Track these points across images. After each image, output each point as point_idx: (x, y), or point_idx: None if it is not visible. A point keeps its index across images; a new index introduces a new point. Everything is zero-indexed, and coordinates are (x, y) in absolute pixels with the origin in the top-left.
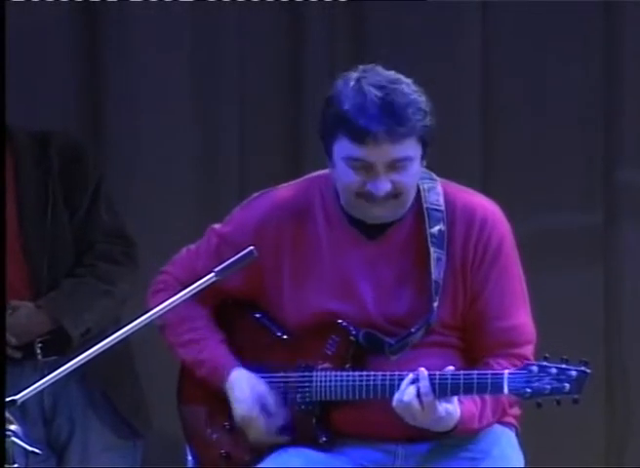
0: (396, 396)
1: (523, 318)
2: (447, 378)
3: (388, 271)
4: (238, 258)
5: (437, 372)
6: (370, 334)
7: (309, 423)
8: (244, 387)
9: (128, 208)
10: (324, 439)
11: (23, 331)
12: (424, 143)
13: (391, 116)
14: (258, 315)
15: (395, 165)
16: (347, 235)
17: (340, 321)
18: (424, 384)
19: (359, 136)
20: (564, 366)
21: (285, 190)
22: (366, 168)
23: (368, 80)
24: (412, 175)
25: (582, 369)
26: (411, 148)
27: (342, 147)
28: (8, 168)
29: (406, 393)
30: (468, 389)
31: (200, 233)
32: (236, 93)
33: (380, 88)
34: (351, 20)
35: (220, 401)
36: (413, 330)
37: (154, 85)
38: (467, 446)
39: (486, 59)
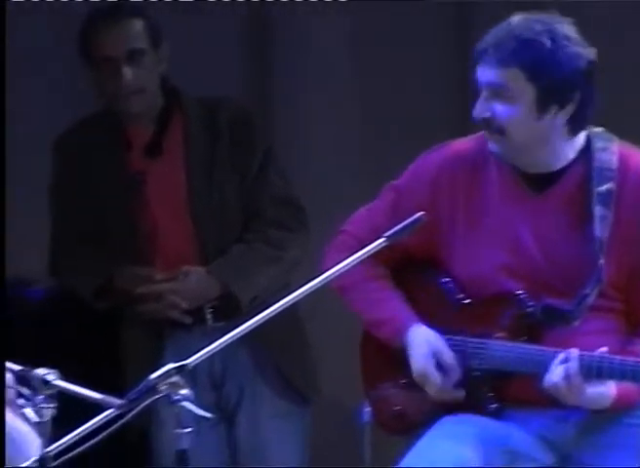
0: (546, 375)
1: None
2: (600, 361)
3: (553, 226)
4: (408, 224)
5: (589, 354)
6: (548, 307)
7: (481, 390)
8: (422, 342)
9: (296, 172)
10: (494, 406)
11: (194, 297)
12: (541, 89)
13: (502, 41)
14: (442, 279)
15: (496, 91)
16: (515, 188)
17: (518, 292)
18: (573, 366)
19: (476, 55)
20: None
21: (460, 144)
22: (479, 91)
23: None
24: (514, 112)
25: None
26: (513, 80)
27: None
28: (177, 134)
29: (554, 373)
30: (621, 376)
31: (370, 195)
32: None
33: (512, 20)
34: None
35: (398, 358)
36: (587, 290)
37: (321, 55)
38: (637, 412)
39: None
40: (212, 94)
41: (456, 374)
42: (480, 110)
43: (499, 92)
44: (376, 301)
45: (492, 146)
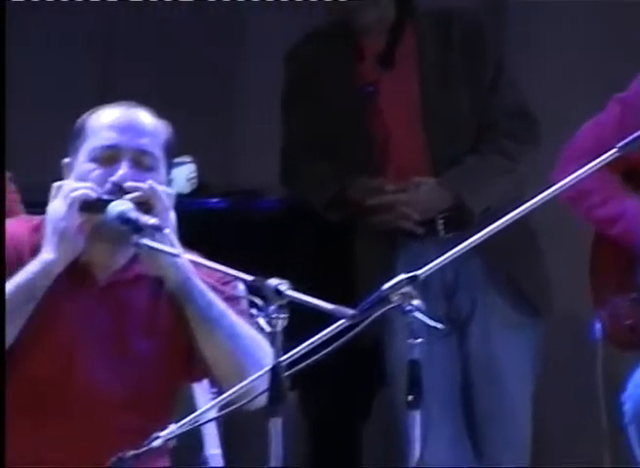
0: None
1: None
2: None
3: None
4: None
5: None
6: None
7: None
8: None
9: (530, 84)
10: None
11: (425, 208)
12: None
13: None
14: None
15: None
16: None
17: None
18: None
19: None
20: None
21: None
22: None
23: None
24: None
25: None
26: None
27: None
28: (409, 45)
29: None
30: None
31: (599, 107)
32: None
33: None
34: None
35: (630, 272)
36: None
37: None
38: None
39: None
40: (444, 5)
41: None
42: None
43: None
44: (609, 200)
45: None
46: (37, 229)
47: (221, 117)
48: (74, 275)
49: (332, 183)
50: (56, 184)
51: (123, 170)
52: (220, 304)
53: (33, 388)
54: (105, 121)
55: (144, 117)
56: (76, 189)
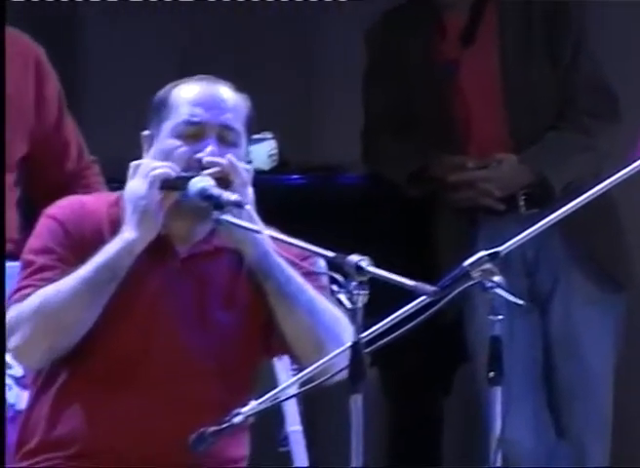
0: None
1: None
2: None
3: None
4: None
5: None
6: None
7: None
8: None
9: (610, 60)
10: None
11: (506, 184)
12: None
13: None
14: None
15: None
16: None
17: None
18: None
19: None
20: None
21: None
22: None
23: None
24: None
25: None
26: None
27: None
28: (491, 22)
29: None
30: None
31: None
32: None
33: None
34: None
35: None
36: None
37: None
38: None
39: None
40: None
41: None
42: None
43: None
44: None
45: None
46: (115, 204)
47: (301, 93)
48: (154, 249)
49: (414, 160)
50: (133, 164)
51: (211, 146)
52: (299, 280)
53: (114, 362)
54: (189, 96)
55: (226, 92)
56: (156, 168)
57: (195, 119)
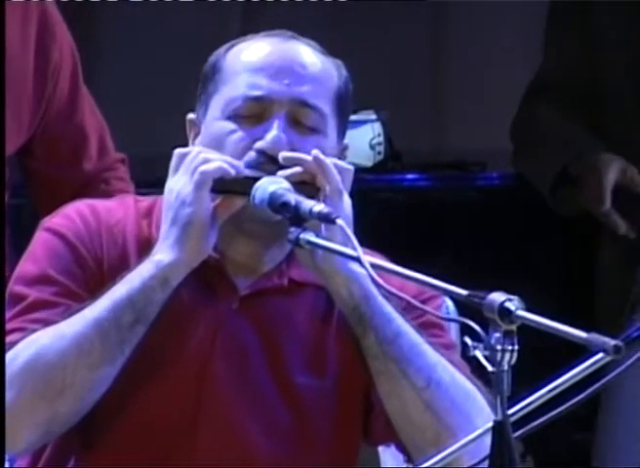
0: None
1: None
2: None
3: None
4: None
5: None
6: None
7: None
8: None
9: None
10: None
11: None
12: None
13: None
14: None
15: None
16: None
17: None
18: None
19: None
20: None
21: None
22: None
23: None
24: None
25: None
26: None
27: None
28: None
29: None
30: None
31: None
32: None
33: None
34: None
35: None
36: None
37: None
38: None
39: None
40: None
41: None
42: None
43: None
44: None
45: None
46: (147, 214)
47: (419, 60)
48: (202, 280)
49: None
50: (178, 151)
51: (274, 131)
52: (414, 336)
53: (152, 430)
54: (250, 59)
55: (306, 54)
56: (207, 161)
57: (257, 92)
